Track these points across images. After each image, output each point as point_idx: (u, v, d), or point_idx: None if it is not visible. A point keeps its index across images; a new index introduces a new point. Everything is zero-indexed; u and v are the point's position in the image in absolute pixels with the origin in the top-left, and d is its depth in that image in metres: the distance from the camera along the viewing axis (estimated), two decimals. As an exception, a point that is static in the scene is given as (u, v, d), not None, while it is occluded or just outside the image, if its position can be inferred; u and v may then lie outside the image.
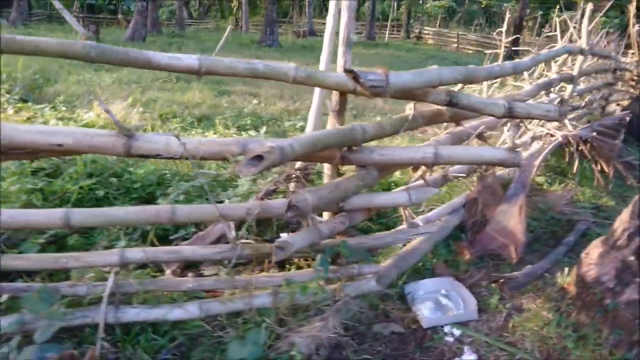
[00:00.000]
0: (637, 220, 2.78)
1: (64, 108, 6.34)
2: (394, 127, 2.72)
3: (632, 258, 2.73)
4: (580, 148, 5.39)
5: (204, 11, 49.55)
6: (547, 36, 6.13)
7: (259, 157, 2.18)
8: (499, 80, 3.93)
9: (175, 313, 2.59)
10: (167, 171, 4.20)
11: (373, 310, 3.14)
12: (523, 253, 3.81)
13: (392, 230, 3.04)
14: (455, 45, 32.47)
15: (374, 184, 2.85)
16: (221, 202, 3.50)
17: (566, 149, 5.52)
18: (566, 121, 5.65)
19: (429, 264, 3.66)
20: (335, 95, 2.67)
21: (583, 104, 6.84)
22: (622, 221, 2.91)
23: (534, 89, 4.30)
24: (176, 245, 3.32)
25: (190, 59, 2.31)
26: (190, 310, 2.60)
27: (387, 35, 36.44)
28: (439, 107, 2.93)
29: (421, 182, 3.14)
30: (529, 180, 4.33)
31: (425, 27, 37.08)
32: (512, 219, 3.95)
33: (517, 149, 2.86)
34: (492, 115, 2.87)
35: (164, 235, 3.44)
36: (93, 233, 3.46)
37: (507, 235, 3.89)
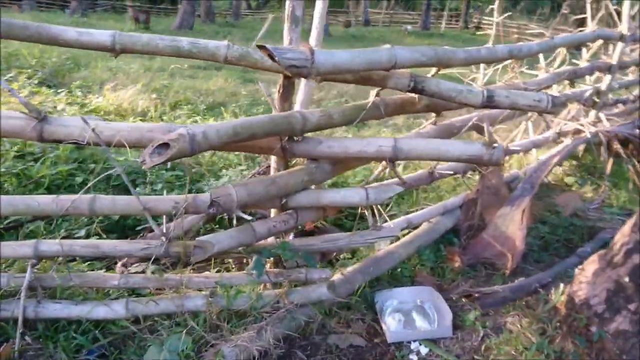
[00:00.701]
0: (638, 234, 2.32)
1: (79, 93, 6.37)
2: (345, 117, 2.38)
3: (626, 279, 2.28)
4: (614, 146, 4.79)
5: (263, 2, 49.92)
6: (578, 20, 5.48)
7: (166, 145, 1.94)
8: (500, 65, 3.47)
9: (100, 311, 2.40)
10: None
11: (333, 319, 2.84)
12: (520, 263, 3.36)
13: (349, 232, 2.70)
14: (517, 36, 30.89)
15: (325, 179, 2.54)
16: (202, 192, 3.26)
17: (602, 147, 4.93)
18: (601, 115, 5.05)
19: (408, 271, 3.30)
20: (281, 79, 2.38)
21: (631, 97, 6.14)
22: (622, 234, 2.45)
23: (548, 77, 3.79)
24: (142, 236, 3.16)
25: (102, 35, 2.08)
26: (115, 309, 2.41)
27: (443, 25, 35.18)
28: (410, 94, 2.57)
29: (396, 179, 2.79)
30: (539, 181, 3.84)
31: (485, 17, 35.49)
32: (512, 224, 3.51)
33: (495, 144, 2.45)
34: (468, 105, 2.48)
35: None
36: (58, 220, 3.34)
37: (505, 242, 3.46)
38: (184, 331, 2.34)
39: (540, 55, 4.06)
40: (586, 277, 2.52)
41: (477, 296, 2.79)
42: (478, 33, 33.29)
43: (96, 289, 2.56)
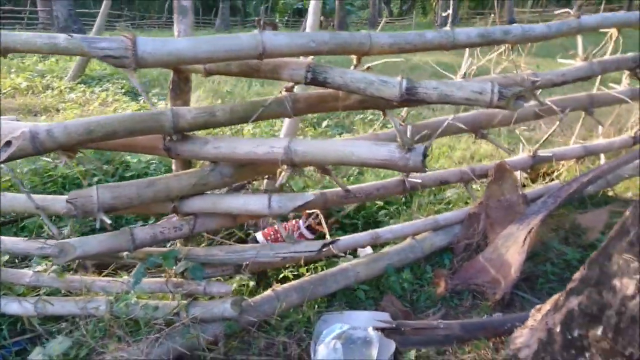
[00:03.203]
0: (594, 271, 1.70)
1: (154, 100, 6.83)
2: (234, 114, 2.13)
3: (558, 329, 1.68)
4: None
5: (406, 8, 49.37)
6: None
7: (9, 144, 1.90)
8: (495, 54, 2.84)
9: (12, 307, 2.46)
10: (154, 162, 4.12)
11: (261, 341, 2.58)
12: (510, 294, 2.72)
13: (260, 244, 2.41)
14: None
15: (226, 184, 2.30)
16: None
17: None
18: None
19: (374, 293, 2.88)
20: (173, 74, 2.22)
21: None
22: (580, 271, 1.83)
23: (582, 67, 3.04)
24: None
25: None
26: (26, 307, 2.44)
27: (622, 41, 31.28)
28: (330, 89, 2.23)
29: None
30: (567, 195, 3.10)
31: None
32: (514, 245, 2.88)
33: (413, 147, 1.98)
34: (383, 98, 2.06)
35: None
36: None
37: (501, 267, 2.84)
38: (70, 335, 2.28)
39: (579, 41, 3.30)
40: (534, 321, 1.93)
41: (383, 328, 2.29)
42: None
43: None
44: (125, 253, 2.29)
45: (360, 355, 2.44)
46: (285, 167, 2.18)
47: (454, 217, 3.15)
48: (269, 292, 2.60)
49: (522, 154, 3.45)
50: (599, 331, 1.49)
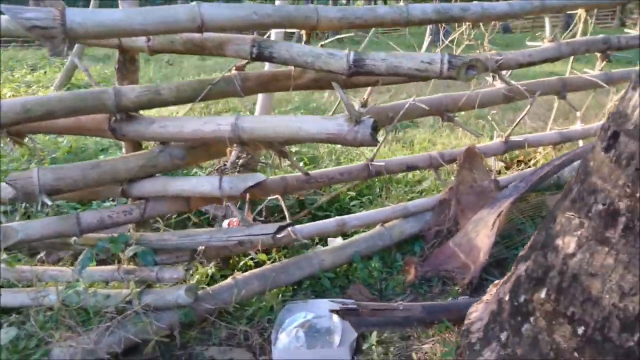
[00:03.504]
0: (540, 235, 1.63)
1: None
2: (180, 93, 2.07)
3: (507, 297, 1.60)
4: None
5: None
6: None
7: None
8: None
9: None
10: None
11: (222, 330, 2.50)
12: (479, 278, 2.64)
13: (211, 228, 2.34)
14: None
15: (177, 167, 2.23)
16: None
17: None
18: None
19: (341, 281, 2.80)
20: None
21: None
22: (533, 238, 1.76)
23: (549, 48, 2.98)
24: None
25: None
26: (-22, 298, 2.37)
27: (591, 23, 31.41)
28: (289, 67, 2.19)
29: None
30: (538, 179, 3.03)
31: (647, 12, 30.88)
32: (483, 229, 2.80)
33: (361, 120, 1.92)
34: (331, 72, 2.00)
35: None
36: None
37: (470, 251, 2.77)
38: (21, 326, 2.21)
39: (547, 21, 3.25)
40: (489, 295, 1.86)
41: (339, 310, 2.21)
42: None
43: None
44: (73, 239, 2.22)
45: (323, 343, 2.37)
46: (234, 145, 2.12)
47: (425, 204, 3.08)
48: (228, 280, 2.53)
49: (495, 140, 3.38)
50: (543, 294, 1.41)
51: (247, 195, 2.36)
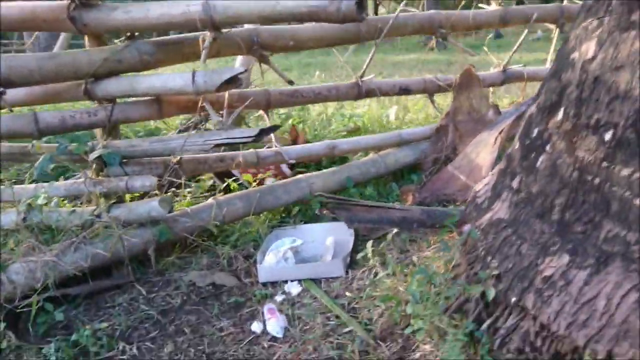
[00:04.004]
0: (555, 64, 1.44)
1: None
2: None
3: (517, 145, 1.40)
4: None
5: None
6: None
7: None
8: None
9: None
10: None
11: (203, 255, 2.28)
12: (481, 195, 2.43)
13: (186, 133, 2.13)
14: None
15: (146, 66, 2.03)
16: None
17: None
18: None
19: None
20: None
21: None
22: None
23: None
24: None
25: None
26: None
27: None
28: None
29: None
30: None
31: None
32: (484, 149, 2.61)
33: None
34: None
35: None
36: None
37: (471, 172, 2.57)
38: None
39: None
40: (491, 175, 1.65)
41: (328, 201, 1.99)
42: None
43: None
44: (30, 144, 2.00)
45: (314, 268, 2.13)
46: (208, 35, 1.92)
47: (419, 132, 2.88)
48: (209, 200, 2.31)
49: (493, 70, 3.20)
50: (560, 115, 1.21)
51: (226, 102, 2.15)
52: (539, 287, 1.14)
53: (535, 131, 1.29)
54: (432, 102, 2.97)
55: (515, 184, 1.32)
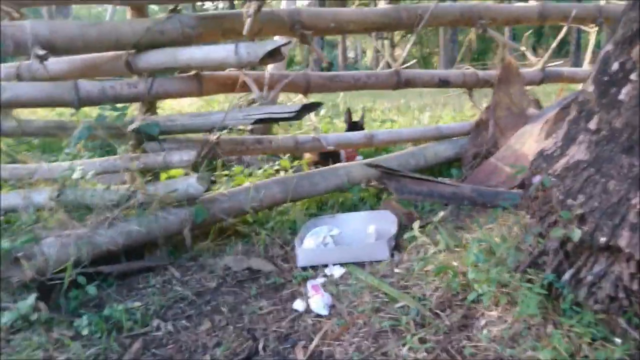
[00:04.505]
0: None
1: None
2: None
3: (591, 87, 1.30)
4: None
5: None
6: None
7: None
8: None
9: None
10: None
11: (247, 245, 2.18)
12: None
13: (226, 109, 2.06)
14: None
15: (186, 38, 1.99)
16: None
17: None
18: None
19: (371, 197, 2.47)
20: None
21: None
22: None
23: None
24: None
25: None
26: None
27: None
28: None
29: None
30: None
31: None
32: (529, 139, 2.51)
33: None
34: None
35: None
36: None
37: (516, 162, 2.45)
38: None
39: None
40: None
41: (379, 168, 1.88)
42: None
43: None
44: (69, 117, 1.96)
45: (357, 250, 2.02)
46: (253, 3, 1.89)
47: (458, 127, 2.80)
48: (246, 183, 2.23)
49: (530, 69, 3.13)
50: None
51: (266, 79, 2.10)
52: (634, 222, 1.02)
53: (616, 65, 1.19)
54: (470, 96, 2.89)
55: (592, 124, 1.22)
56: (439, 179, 1.97)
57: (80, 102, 1.88)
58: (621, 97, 1.15)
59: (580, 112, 1.30)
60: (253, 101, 2.29)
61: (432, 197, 1.84)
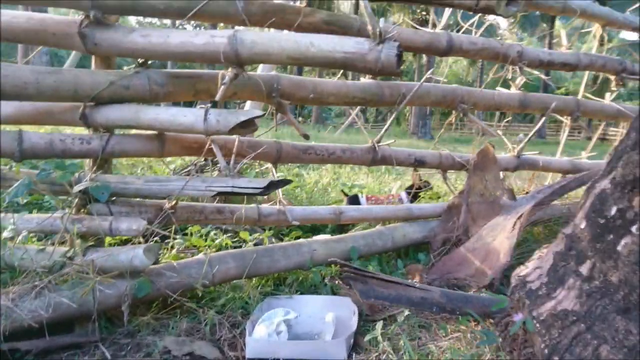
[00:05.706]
0: (630, 136, 1.27)
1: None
2: (173, 1, 1.74)
3: (582, 224, 1.20)
4: None
5: (381, 118, 51.64)
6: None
7: None
8: None
9: None
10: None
11: (182, 319, 1.97)
12: (500, 281, 2.21)
13: (188, 176, 1.90)
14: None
15: (154, 96, 1.83)
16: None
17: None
18: None
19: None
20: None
21: None
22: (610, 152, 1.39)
23: (574, 54, 2.79)
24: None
25: None
26: None
27: (563, 135, 32.90)
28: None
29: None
30: (562, 188, 2.71)
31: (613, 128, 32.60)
32: (501, 233, 2.42)
33: (384, 39, 1.61)
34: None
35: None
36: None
37: (487, 256, 2.35)
38: None
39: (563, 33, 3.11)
40: (539, 256, 1.45)
41: (344, 270, 1.75)
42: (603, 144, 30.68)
43: None
44: (7, 166, 1.75)
45: (312, 347, 1.85)
46: (229, 71, 1.76)
47: (430, 209, 2.70)
48: (199, 255, 2.04)
49: (506, 154, 3.09)
50: (649, 192, 1.03)
51: (235, 147, 1.95)
52: (629, 404, 0.89)
53: (614, 209, 1.10)
54: (445, 178, 2.80)
55: (584, 269, 1.11)
56: (408, 281, 1.82)
57: (23, 154, 1.68)
58: (619, 248, 1.05)
59: (569, 248, 1.20)
60: (204, 166, 2.12)
61: (400, 303, 1.70)
